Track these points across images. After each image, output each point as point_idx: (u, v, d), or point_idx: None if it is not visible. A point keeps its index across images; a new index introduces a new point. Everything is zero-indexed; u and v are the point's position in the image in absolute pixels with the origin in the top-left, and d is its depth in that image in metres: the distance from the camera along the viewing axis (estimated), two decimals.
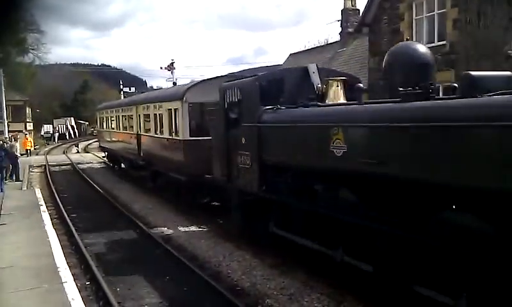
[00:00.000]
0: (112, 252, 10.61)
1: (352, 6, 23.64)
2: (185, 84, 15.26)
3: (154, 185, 17.45)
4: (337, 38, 24.77)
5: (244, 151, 9.32)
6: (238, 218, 10.31)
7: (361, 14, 19.34)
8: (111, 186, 19.65)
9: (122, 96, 45.96)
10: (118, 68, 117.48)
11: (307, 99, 8.58)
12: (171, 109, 14.43)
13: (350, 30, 22.22)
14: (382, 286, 6.48)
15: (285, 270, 8.50)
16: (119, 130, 22.49)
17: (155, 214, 13.96)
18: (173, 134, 14.25)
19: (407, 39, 7.79)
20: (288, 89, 9.15)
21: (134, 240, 11.49)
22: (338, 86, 8.56)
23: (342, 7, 23.64)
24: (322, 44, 26.60)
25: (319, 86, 8.91)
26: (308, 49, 27.25)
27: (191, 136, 13.36)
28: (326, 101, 8.43)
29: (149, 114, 17.12)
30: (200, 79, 14.81)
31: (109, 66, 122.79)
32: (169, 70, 38.75)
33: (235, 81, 10.31)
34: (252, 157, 9.04)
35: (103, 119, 27.63)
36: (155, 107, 16.32)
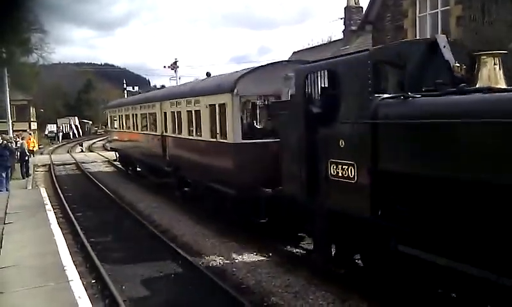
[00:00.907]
0: (118, 250, 10.65)
1: (355, 3, 23.55)
2: (234, 72, 12.13)
3: (182, 196, 14.73)
4: (340, 35, 24.76)
5: (342, 159, 6.79)
6: (326, 248, 7.82)
7: (364, 11, 19.31)
8: (117, 185, 19.69)
9: (125, 95, 46.07)
10: (121, 67, 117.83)
11: (435, 84, 6.31)
12: (214, 105, 11.42)
13: (353, 28, 22.13)
14: None
15: (290, 268, 8.52)
16: (136, 130, 19.90)
17: (160, 213, 14.01)
18: (218, 136, 11.23)
19: None
20: (410, 70, 6.67)
21: (140, 238, 11.52)
22: (496, 64, 6.00)
23: (345, 5, 23.59)
24: (325, 42, 26.62)
25: (456, 64, 6.55)
26: (311, 47, 27.27)
27: (243, 139, 10.49)
28: (477, 85, 6.00)
29: (179, 112, 14.13)
30: (253, 66, 11.62)
31: (112, 65, 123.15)
32: (172, 69, 38.91)
33: (325, 61, 7.87)
34: (359, 168, 6.51)
35: (115, 118, 25.05)
36: (188, 102, 13.35)
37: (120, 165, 25.44)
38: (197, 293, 7.95)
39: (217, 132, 11.26)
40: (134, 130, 20.37)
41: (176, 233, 11.63)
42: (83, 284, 7.53)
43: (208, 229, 11.74)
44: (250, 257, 9.42)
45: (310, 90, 7.87)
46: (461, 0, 13.74)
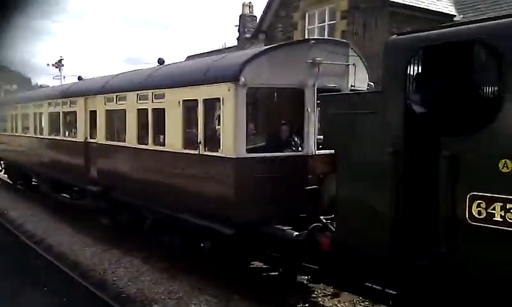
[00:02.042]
0: None
1: (249, 12, 24.13)
2: (227, 54, 9.24)
3: (113, 225, 11.22)
4: (235, 42, 25.09)
5: (505, 193, 4.25)
6: None
7: (258, 21, 19.89)
8: None
9: (1, 94, 42.39)
10: None
11: None
12: (194, 101, 8.00)
13: (247, 35, 22.65)
14: None
15: (175, 274, 8.26)
16: (39, 134, 15.54)
17: (35, 222, 12.85)
18: (200, 147, 7.74)
19: None
20: None
21: (11, 249, 10.45)
22: None
23: (240, 13, 24.02)
24: (219, 48, 26.81)
25: None
26: (205, 52, 27.23)
27: (249, 151, 7.22)
28: None
29: (122, 111, 10.30)
30: (266, 46, 8.66)
31: None
32: (57, 68, 36.43)
33: (453, 28, 5.19)
34: None
35: (5, 118, 19.96)
36: (142, 98, 9.56)
37: (5, 177, 20.59)
38: (72, 305, 7.36)
39: (199, 140, 7.80)
40: (35, 133, 16.01)
41: (52, 242, 10.72)
42: None
43: (89, 237, 11.00)
44: (134, 265, 8.96)
45: (417, 76, 5.44)
46: (346, 16, 14.66)
